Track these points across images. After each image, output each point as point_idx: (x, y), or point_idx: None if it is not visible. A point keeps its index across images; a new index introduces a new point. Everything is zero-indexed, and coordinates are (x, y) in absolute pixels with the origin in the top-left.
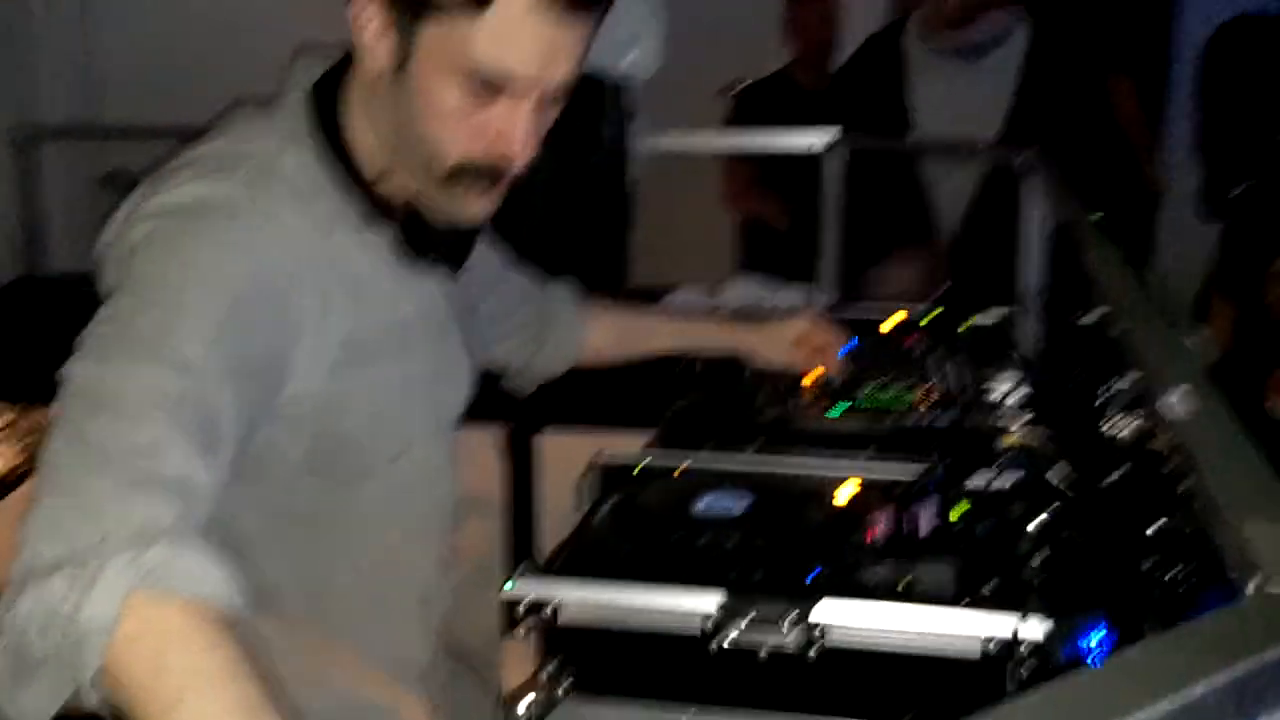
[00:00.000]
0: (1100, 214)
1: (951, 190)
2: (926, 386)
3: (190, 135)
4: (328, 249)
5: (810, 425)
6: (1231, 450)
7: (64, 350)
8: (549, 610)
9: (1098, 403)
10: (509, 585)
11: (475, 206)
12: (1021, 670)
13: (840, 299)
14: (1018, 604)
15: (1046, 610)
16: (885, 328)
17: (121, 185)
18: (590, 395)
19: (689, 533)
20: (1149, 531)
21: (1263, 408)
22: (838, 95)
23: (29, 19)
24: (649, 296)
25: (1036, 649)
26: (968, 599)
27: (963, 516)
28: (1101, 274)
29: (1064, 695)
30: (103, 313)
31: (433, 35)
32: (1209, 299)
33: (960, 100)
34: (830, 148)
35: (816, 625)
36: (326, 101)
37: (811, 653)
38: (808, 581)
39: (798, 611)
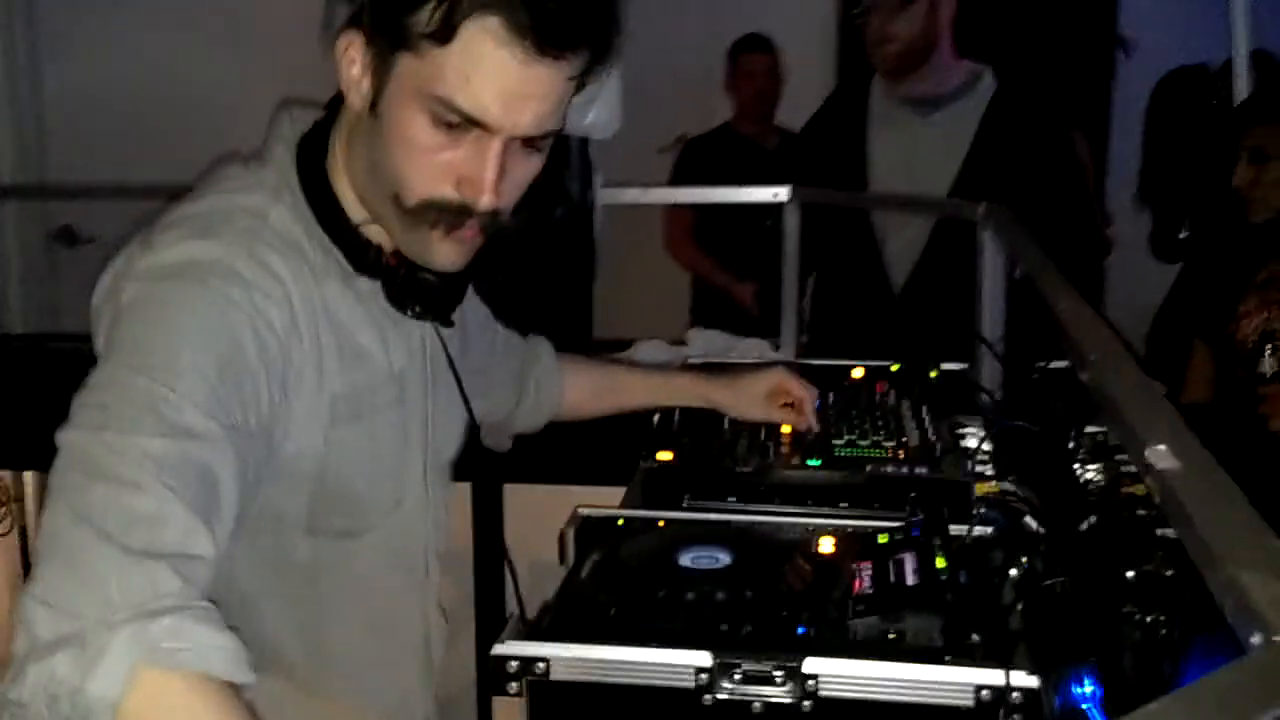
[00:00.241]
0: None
1: (903, 243)
2: (901, 436)
3: (138, 193)
4: (320, 302)
5: (788, 477)
6: (1224, 500)
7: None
8: (540, 667)
9: (1069, 449)
10: (499, 643)
11: (445, 252)
12: (1015, 718)
13: (801, 351)
14: (1006, 653)
15: (1034, 658)
16: (855, 376)
17: (71, 242)
18: (553, 450)
19: (675, 587)
20: (1128, 577)
21: (1253, 446)
22: (801, 146)
23: None
24: (610, 349)
25: (1028, 697)
26: (957, 649)
27: (945, 566)
28: (1073, 324)
29: None
30: (95, 378)
31: (406, 67)
32: (1161, 339)
33: (913, 152)
34: (791, 201)
35: (809, 678)
36: (313, 154)
37: (805, 705)
38: (799, 633)
39: (790, 665)
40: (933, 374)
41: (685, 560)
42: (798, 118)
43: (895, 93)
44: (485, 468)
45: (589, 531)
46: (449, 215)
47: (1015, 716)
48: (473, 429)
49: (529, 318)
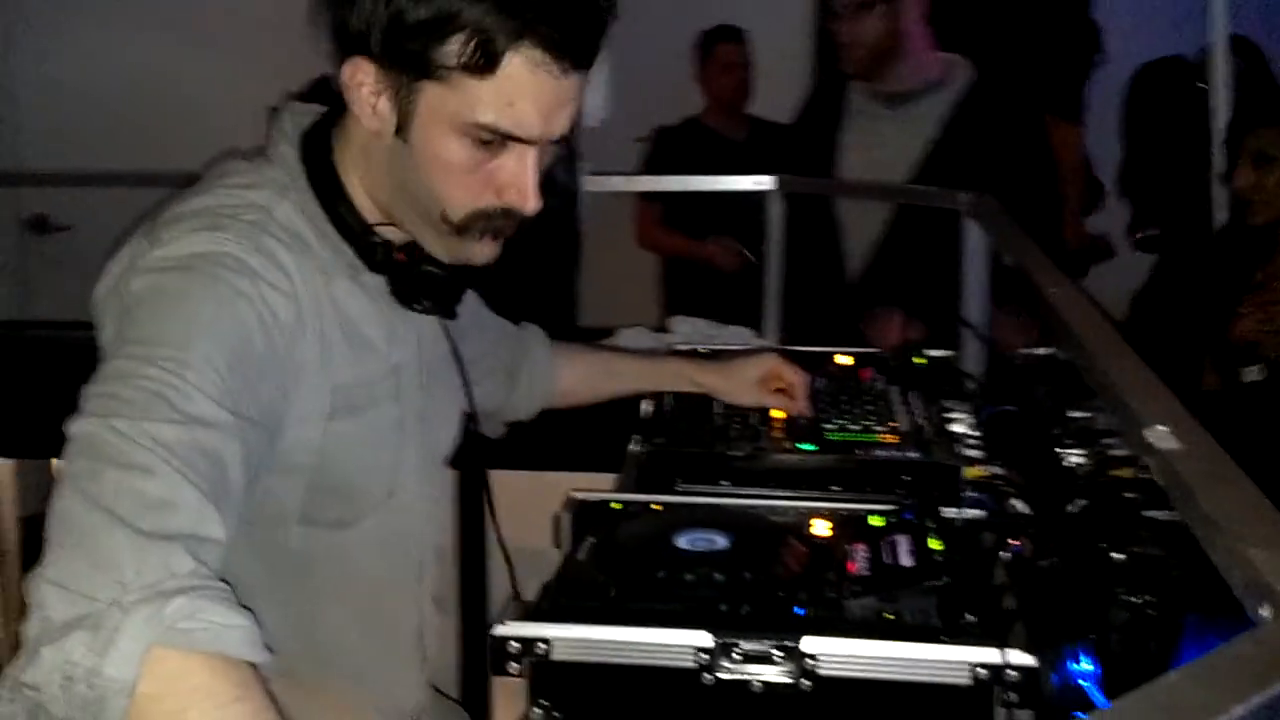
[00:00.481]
0: None
1: (862, 233)
2: (891, 421)
3: (110, 181)
4: (326, 297)
5: (780, 461)
6: (1226, 478)
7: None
8: (541, 648)
9: (1055, 434)
10: (500, 624)
11: (485, 250)
12: (1011, 695)
13: (782, 337)
14: (1001, 632)
15: (1030, 636)
16: (842, 363)
17: (43, 230)
18: (535, 436)
19: (674, 568)
20: (1118, 558)
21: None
22: (784, 141)
23: None
24: (593, 337)
25: (1025, 674)
26: (953, 629)
27: (940, 548)
28: (1065, 309)
29: None
30: (105, 368)
31: (435, 96)
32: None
33: (878, 145)
34: (777, 189)
35: (808, 657)
36: (318, 151)
37: (805, 684)
38: (797, 614)
39: (789, 645)
40: (919, 360)
41: (682, 543)
42: (773, 111)
43: (871, 89)
44: (471, 455)
45: (583, 515)
46: (495, 221)
47: (1011, 694)
48: (470, 421)
49: (514, 306)
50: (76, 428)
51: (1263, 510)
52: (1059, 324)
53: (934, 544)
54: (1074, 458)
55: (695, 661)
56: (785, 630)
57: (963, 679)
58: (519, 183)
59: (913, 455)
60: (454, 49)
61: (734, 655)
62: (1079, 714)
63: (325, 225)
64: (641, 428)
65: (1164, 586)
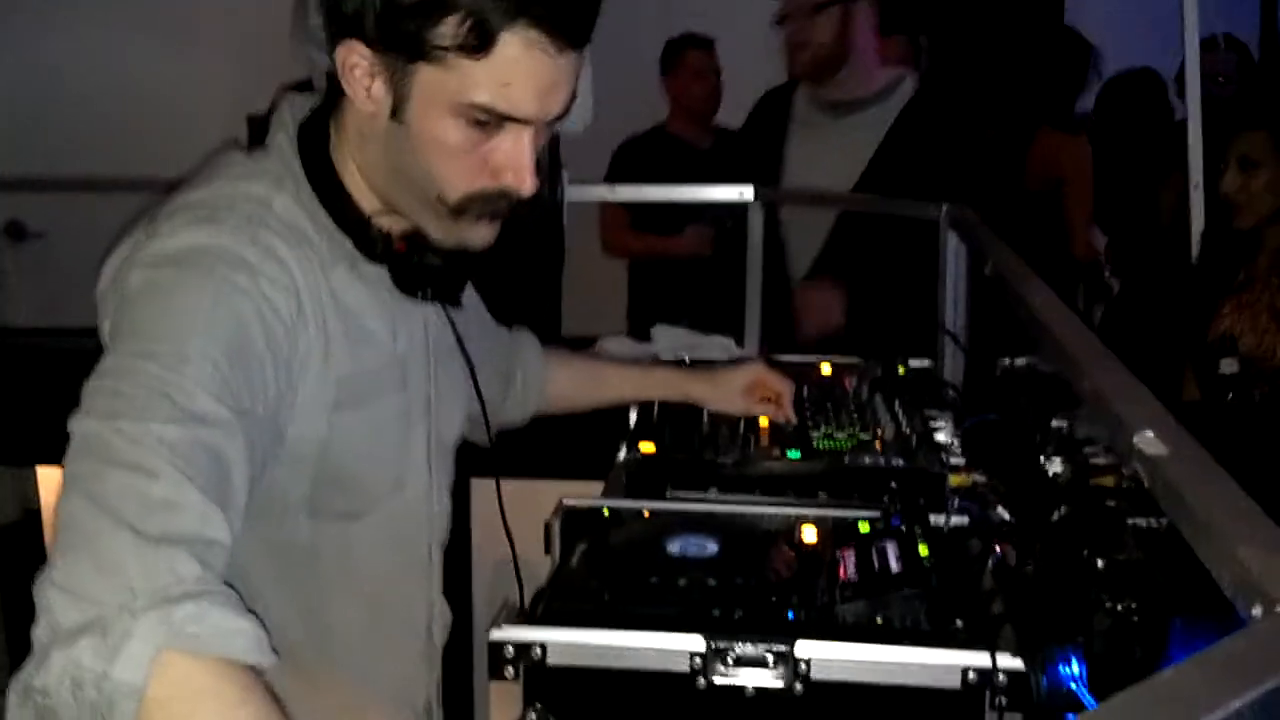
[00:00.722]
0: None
1: (803, 239)
2: (876, 429)
3: (87, 187)
4: (326, 288)
5: (768, 468)
6: (1214, 482)
7: None
8: (536, 652)
9: (1037, 443)
10: (495, 628)
11: (483, 233)
12: (1001, 698)
13: (763, 347)
14: (990, 636)
15: (1018, 641)
16: (825, 372)
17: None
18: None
19: (666, 574)
20: (1102, 564)
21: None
22: (734, 148)
23: None
24: (573, 346)
25: (1013, 679)
26: (943, 633)
27: (927, 554)
28: (1049, 319)
29: None
30: (104, 365)
31: (431, 77)
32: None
33: (822, 154)
34: (755, 200)
35: (801, 661)
36: (315, 141)
37: (797, 688)
38: (789, 618)
39: (782, 649)
40: (901, 370)
41: (674, 548)
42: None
43: (816, 97)
44: (459, 463)
45: (574, 522)
46: (492, 203)
47: (1000, 698)
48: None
49: (498, 314)
50: (79, 426)
51: (1251, 512)
52: (1043, 333)
53: (922, 550)
54: (1054, 467)
55: (689, 665)
56: (778, 634)
57: (953, 683)
58: (515, 164)
59: (898, 463)
60: (448, 30)
61: (727, 659)
62: (1070, 715)
63: (323, 216)
64: (629, 436)
65: (1148, 591)
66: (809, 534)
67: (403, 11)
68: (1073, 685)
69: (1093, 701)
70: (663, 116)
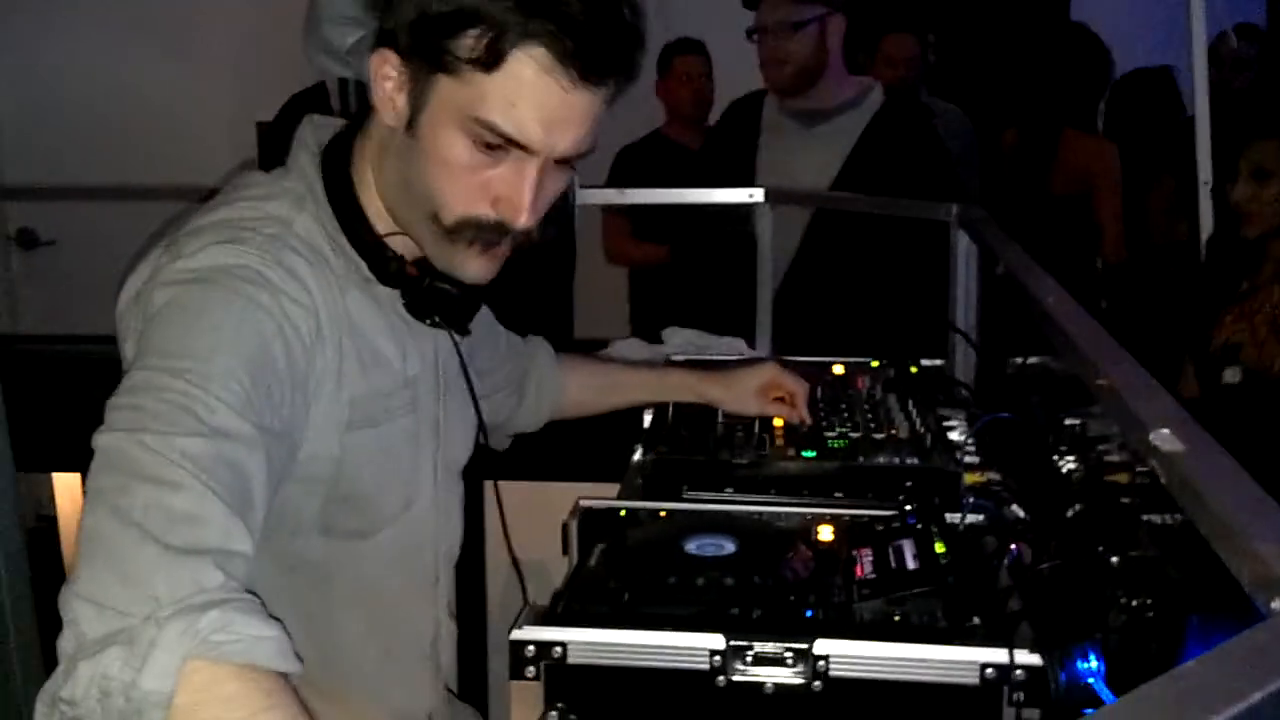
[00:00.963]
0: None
1: (778, 243)
2: (890, 428)
3: (96, 195)
4: (342, 309)
5: (783, 469)
6: (1230, 478)
7: None
8: (557, 652)
9: (1050, 441)
10: (516, 629)
11: (476, 266)
12: (1019, 694)
13: (774, 349)
14: (1007, 632)
15: (1035, 637)
16: (838, 372)
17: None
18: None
19: (685, 573)
20: (1117, 561)
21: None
22: (704, 156)
23: None
24: (586, 348)
25: (1031, 675)
26: (961, 630)
27: (944, 551)
28: (1064, 318)
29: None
30: (129, 381)
31: (446, 89)
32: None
33: (794, 161)
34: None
35: (820, 659)
36: (337, 164)
37: (816, 685)
38: (807, 616)
39: (801, 647)
40: (913, 370)
41: (691, 548)
42: None
43: (786, 106)
44: (472, 466)
45: (592, 523)
46: (485, 233)
47: (1018, 694)
48: (480, 434)
49: (510, 319)
50: (103, 441)
51: (1268, 507)
52: (1057, 332)
53: (938, 548)
54: (1068, 464)
55: (708, 664)
56: (796, 633)
57: (971, 679)
58: (514, 194)
59: (913, 462)
60: (467, 42)
61: (746, 657)
62: (1088, 710)
63: (340, 237)
64: (644, 438)
65: (1163, 588)
66: (825, 533)
67: (431, 22)
68: (1091, 681)
69: (1111, 696)
70: (661, 122)
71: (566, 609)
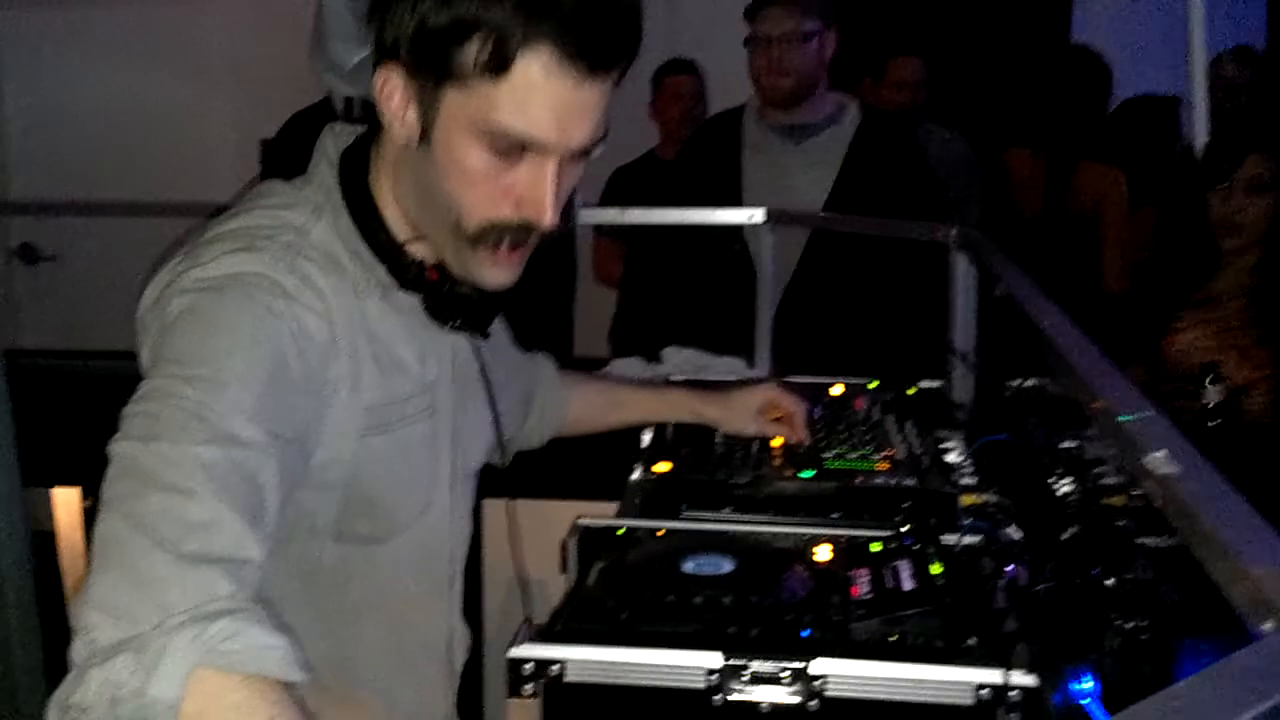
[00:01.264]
0: None
1: (775, 263)
2: (887, 449)
3: (98, 210)
4: (359, 316)
5: (781, 489)
6: (1224, 500)
7: None
8: (555, 669)
9: (1046, 463)
10: (515, 646)
11: (497, 272)
12: (1014, 715)
13: (773, 368)
14: (1003, 653)
15: (1031, 658)
16: (836, 392)
17: (32, 260)
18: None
19: (682, 592)
20: (1112, 583)
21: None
22: (678, 173)
23: None
24: (585, 367)
25: (1027, 695)
26: (957, 650)
27: (940, 573)
28: (1062, 342)
29: None
30: (144, 388)
31: (455, 100)
32: None
33: (785, 177)
34: (766, 221)
35: (816, 679)
36: (355, 171)
37: (812, 705)
38: (804, 636)
39: (798, 666)
40: (911, 391)
41: (689, 567)
42: None
43: (771, 121)
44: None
45: (590, 541)
46: (511, 234)
47: (1014, 714)
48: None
49: (512, 335)
50: (118, 449)
51: (1261, 530)
52: (1053, 354)
53: (935, 569)
54: (1065, 486)
55: (705, 682)
56: (793, 652)
57: (966, 699)
58: (536, 194)
59: (910, 483)
60: (472, 51)
61: (743, 676)
62: None
63: (359, 244)
64: (643, 457)
65: (1158, 611)
66: (823, 553)
67: (432, 34)
68: (1085, 702)
69: (1106, 717)
70: (655, 142)
71: (565, 627)
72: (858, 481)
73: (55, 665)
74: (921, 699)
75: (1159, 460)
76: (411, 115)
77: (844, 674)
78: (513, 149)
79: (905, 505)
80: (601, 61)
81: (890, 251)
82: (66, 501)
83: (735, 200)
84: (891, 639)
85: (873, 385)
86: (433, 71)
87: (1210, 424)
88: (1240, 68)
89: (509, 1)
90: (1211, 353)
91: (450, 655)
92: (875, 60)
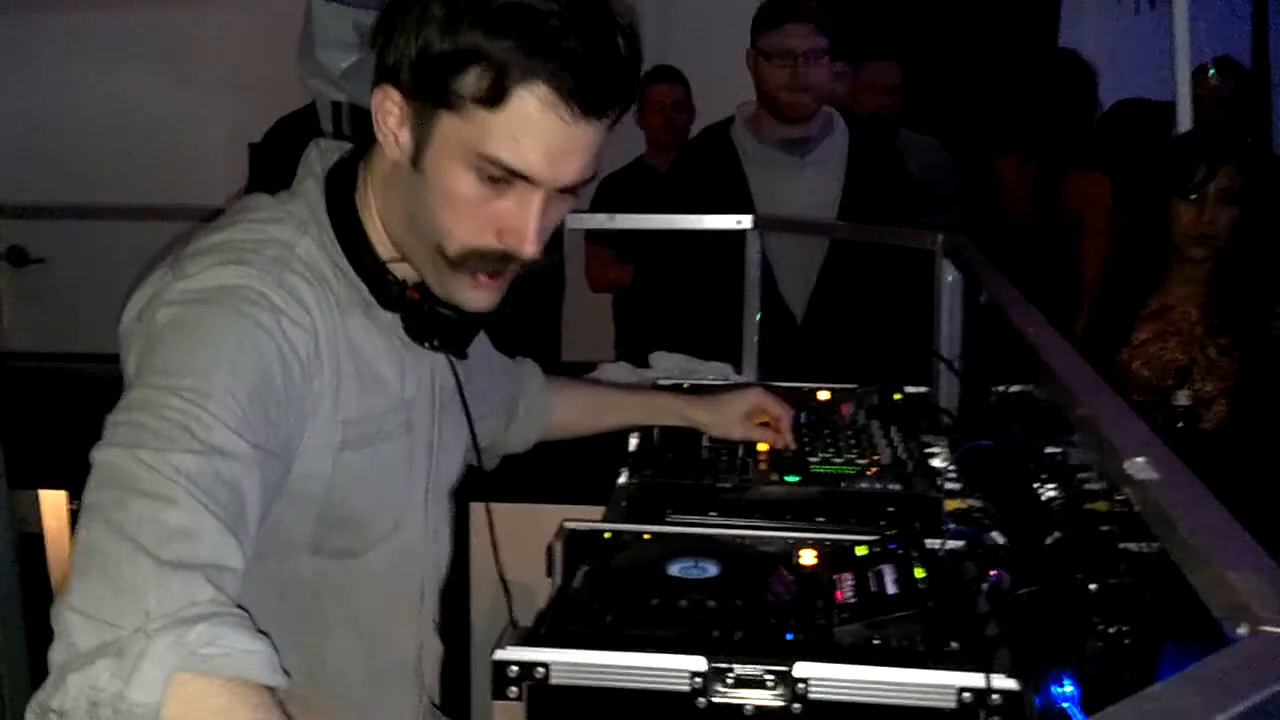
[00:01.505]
0: None
1: (794, 272)
2: (873, 454)
3: (88, 214)
4: (342, 332)
5: (767, 493)
6: (1202, 506)
7: None
8: (539, 672)
9: (1031, 468)
10: (499, 649)
11: (478, 296)
12: (995, 718)
13: (760, 375)
14: (985, 657)
15: (1013, 662)
16: (822, 397)
17: (21, 262)
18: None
19: (667, 595)
20: (1095, 588)
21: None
22: (671, 189)
23: None
24: (573, 371)
25: (1008, 699)
26: (939, 654)
27: (924, 576)
28: (1044, 348)
29: None
30: (128, 397)
31: (450, 126)
32: None
33: (794, 189)
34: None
35: (799, 682)
36: (341, 188)
37: (795, 708)
38: (788, 640)
39: (781, 670)
40: (897, 396)
41: (674, 571)
42: None
43: (770, 134)
44: (459, 487)
45: (575, 545)
46: (491, 262)
47: (995, 718)
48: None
49: (500, 340)
50: (101, 456)
51: (1237, 535)
52: (1037, 362)
53: (918, 573)
54: (1049, 491)
55: (689, 685)
56: (777, 655)
57: (949, 703)
58: (519, 225)
59: (895, 487)
60: (470, 80)
61: (727, 680)
62: None
63: (342, 261)
64: (629, 461)
65: (1140, 615)
66: (807, 557)
67: (433, 60)
68: (1066, 706)
69: None
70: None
71: (549, 630)
72: (843, 486)
73: (42, 668)
74: (904, 702)
75: (1139, 466)
76: (406, 137)
77: (827, 677)
78: (501, 179)
79: (890, 510)
80: (596, 104)
81: (909, 259)
82: (53, 504)
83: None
84: (874, 643)
85: (859, 391)
86: (430, 96)
87: (1178, 425)
88: (1223, 79)
89: (512, 36)
90: (1180, 362)
91: (420, 669)
92: (851, 63)
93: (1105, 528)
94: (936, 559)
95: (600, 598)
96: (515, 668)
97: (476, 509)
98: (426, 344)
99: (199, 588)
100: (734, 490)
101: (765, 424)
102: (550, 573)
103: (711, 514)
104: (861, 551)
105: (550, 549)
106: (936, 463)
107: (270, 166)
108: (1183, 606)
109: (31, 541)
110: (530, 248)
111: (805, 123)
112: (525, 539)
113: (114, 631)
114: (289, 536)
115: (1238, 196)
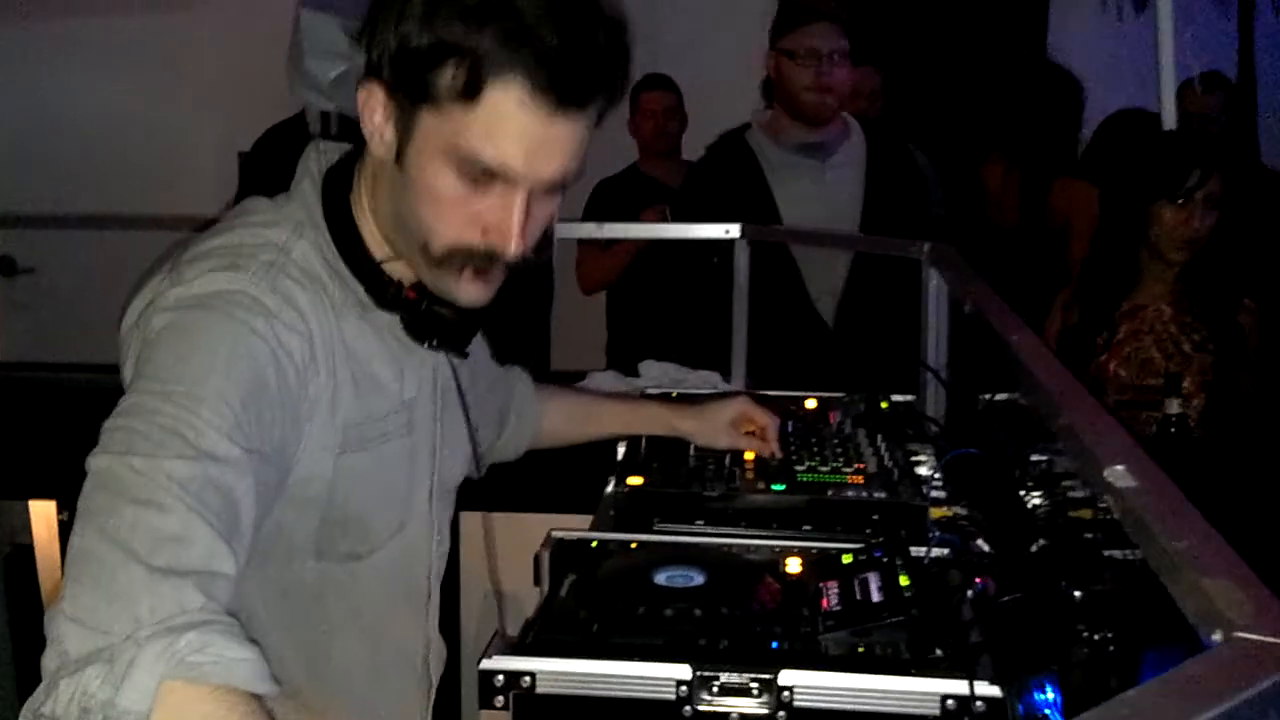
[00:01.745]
0: None
1: (823, 278)
2: (859, 462)
3: (77, 224)
4: (338, 335)
5: (753, 501)
6: (1180, 514)
7: None
8: (526, 681)
9: (1016, 477)
10: (486, 658)
11: (470, 290)
12: None
13: (749, 382)
14: (969, 665)
15: (997, 669)
16: (809, 406)
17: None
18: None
19: (653, 604)
20: (1079, 595)
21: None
22: (690, 198)
23: None
24: (562, 380)
25: (991, 706)
26: (923, 661)
27: (908, 584)
28: (1027, 356)
29: None
30: (123, 403)
31: (429, 122)
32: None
33: (820, 194)
34: (741, 238)
35: (785, 690)
36: (337, 189)
37: (781, 716)
38: (773, 648)
39: (766, 678)
40: (884, 404)
41: (661, 579)
42: None
43: (791, 139)
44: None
45: (563, 553)
46: (476, 260)
47: None
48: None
49: (489, 348)
50: (95, 463)
51: (1214, 543)
52: (1020, 370)
53: (903, 581)
54: (1034, 500)
55: (675, 694)
56: (762, 663)
57: (932, 710)
58: (502, 223)
59: (880, 496)
60: (447, 75)
61: (713, 688)
62: None
63: (338, 263)
64: (617, 470)
65: (1123, 622)
66: (793, 565)
67: (412, 54)
68: (1048, 712)
69: None
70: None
71: (536, 639)
72: (829, 494)
73: (30, 677)
74: (888, 709)
75: (1118, 474)
76: (389, 133)
77: (812, 685)
78: (482, 176)
79: (875, 518)
80: (574, 98)
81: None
82: (43, 515)
83: (773, 220)
84: (859, 650)
85: (846, 399)
86: (410, 92)
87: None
88: (1209, 93)
89: (489, 30)
90: (1161, 363)
91: (426, 668)
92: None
93: (1089, 535)
94: (921, 567)
95: (587, 606)
96: (501, 677)
97: (466, 518)
98: (426, 344)
99: (190, 595)
100: (721, 499)
101: (751, 433)
102: (538, 582)
103: (698, 522)
104: (847, 559)
105: (537, 558)
106: (922, 471)
107: (260, 175)
108: (1165, 613)
109: (21, 552)
110: (514, 246)
111: (825, 126)
112: (514, 548)
113: (105, 639)
114: (291, 540)
115: (1220, 202)
